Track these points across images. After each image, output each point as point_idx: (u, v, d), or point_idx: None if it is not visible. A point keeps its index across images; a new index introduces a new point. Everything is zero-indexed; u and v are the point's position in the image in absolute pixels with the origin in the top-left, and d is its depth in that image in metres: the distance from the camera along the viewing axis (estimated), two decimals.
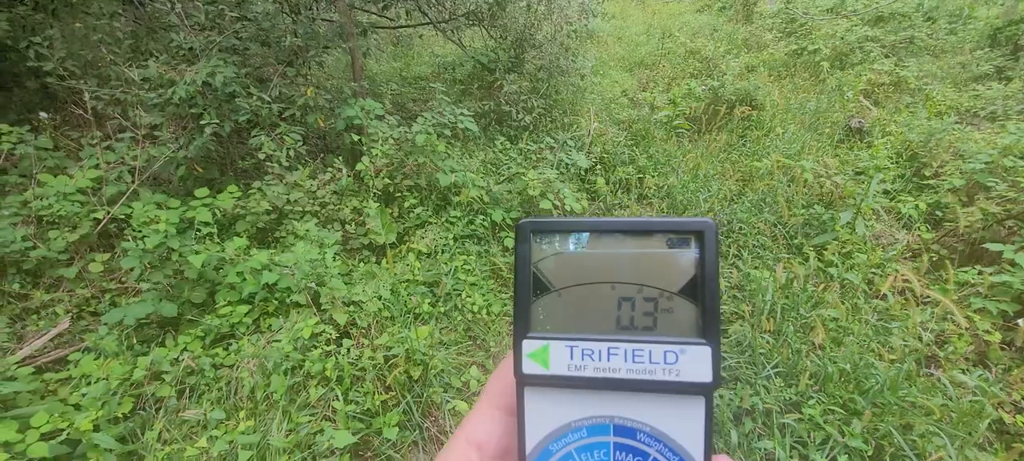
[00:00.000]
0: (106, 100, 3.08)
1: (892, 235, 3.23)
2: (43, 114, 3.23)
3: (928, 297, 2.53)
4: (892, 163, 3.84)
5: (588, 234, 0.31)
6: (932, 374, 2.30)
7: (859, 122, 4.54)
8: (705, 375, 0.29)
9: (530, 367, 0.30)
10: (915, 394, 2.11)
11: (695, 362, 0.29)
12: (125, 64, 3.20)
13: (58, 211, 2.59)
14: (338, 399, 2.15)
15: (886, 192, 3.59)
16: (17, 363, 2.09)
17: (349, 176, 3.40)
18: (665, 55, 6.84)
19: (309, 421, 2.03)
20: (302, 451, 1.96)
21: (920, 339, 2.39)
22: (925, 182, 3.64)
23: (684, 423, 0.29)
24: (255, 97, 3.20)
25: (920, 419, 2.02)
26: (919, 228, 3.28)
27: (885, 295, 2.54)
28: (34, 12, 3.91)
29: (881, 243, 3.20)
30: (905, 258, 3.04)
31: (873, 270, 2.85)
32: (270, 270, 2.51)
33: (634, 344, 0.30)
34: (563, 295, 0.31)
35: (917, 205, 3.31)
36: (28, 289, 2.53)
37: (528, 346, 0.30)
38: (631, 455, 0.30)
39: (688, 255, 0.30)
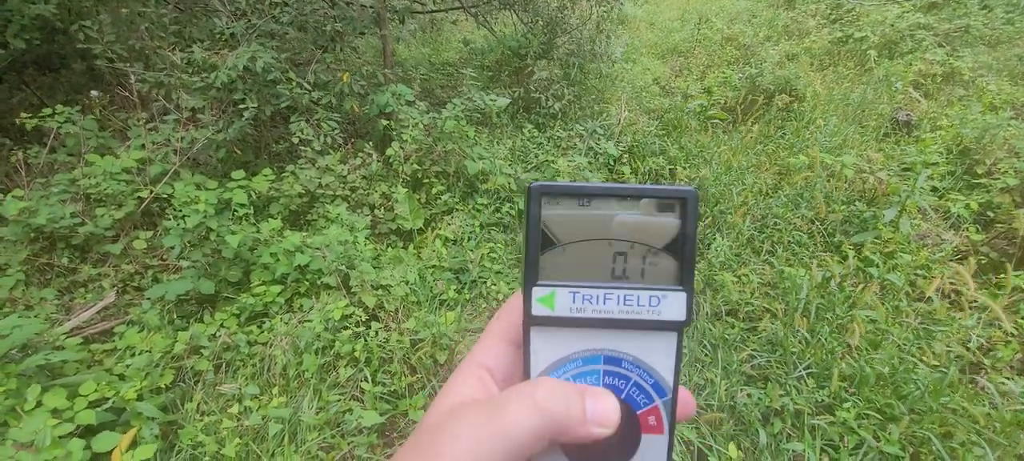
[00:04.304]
0: (151, 83, 3.18)
1: (939, 235, 3.08)
2: (94, 92, 3.36)
3: (975, 301, 2.40)
4: (942, 159, 3.64)
5: (589, 197, 0.35)
6: (976, 381, 2.20)
7: (907, 115, 4.32)
8: (680, 314, 0.35)
9: (538, 310, 0.35)
10: (957, 401, 2.02)
11: (673, 304, 0.35)
12: (169, 49, 3.30)
13: (105, 189, 2.70)
14: (366, 380, 2.19)
15: (934, 189, 3.41)
16: (65, 334, 2.20)
17: (379, 161, 3.43)
18: (700, 42, 6.63)
19: (339, 400, 2.08)
20: (331, 428, 2.02)
21: (965, 345, 2.28)
22: (977, 180, 3.45)
23: (660, 353, 0.36)
24: (294, 83, 3.25)
25: (961, 427, 1.94)
26: (968, 229, 3.11)
27: (930, 298, 2.42)
28: None
29: (926, 243, 3.05)
30: (953, 260, 2.89)
31: (917, 271, 2.72)
32: (302, 252, 2.57)
33: (626, 290, 0.35)
34: (567, 249, 0.36)
35: (968, 204, 3.14)
36: (76, 263, 2.66)
37: (537, 292, 0.35)
38: (617, 379, 0.36)
39: (672, 218, 0.35)
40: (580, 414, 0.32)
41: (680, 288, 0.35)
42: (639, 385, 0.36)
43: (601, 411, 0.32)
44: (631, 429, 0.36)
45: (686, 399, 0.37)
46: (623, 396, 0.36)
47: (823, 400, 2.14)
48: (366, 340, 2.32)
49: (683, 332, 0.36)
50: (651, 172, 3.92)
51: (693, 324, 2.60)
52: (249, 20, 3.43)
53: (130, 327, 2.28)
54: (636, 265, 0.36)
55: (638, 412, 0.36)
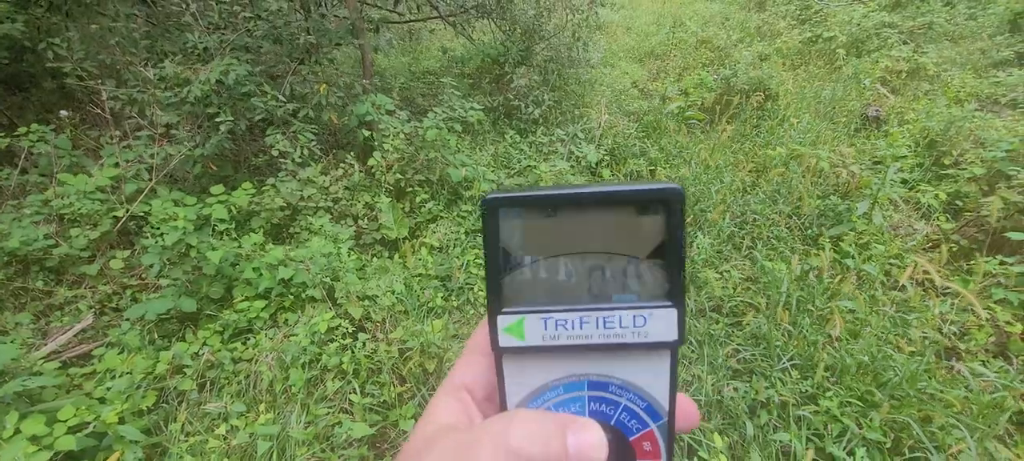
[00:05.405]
0: (124, 100, 3.12)
1: (911, 225, 3.18)
2: (64, 112, 3.28)
3: (948, 288, 2.49)
4: (911, 152, 3.77)
5: (555, 205, 0.31)
6: (952, 366, 2.27)
7: (876, 110, 4.46)
8: (671, 334, 0.30)
9: (506, 340, 0.31)
10: (934, 386, 2.09)
11: (662, 323, 0.30)
12: (141, 64, 3.24)
13: (79, 209, 2.64)
14: (355, 392, 2.17)
15: (904, 181, 3.53)
16: (43, 358, 2.14)
17: (361, 171, 3.42)
18: (676, 45, 6.76)
19: (327, 413, 2.06)
20: (321, 443, 1.99)
21: (940, 331, 2.36)
22: (944, 171, 3.57)
23: (652, 375, 0.32)
24: (269, 96, 3.22)
25: (939, 411, 2.00)
26: (938, 218, 3.22)
27: (904, 286, 2.50)
28: (49, 13, 3.96)
29: (899, 233, 3.15)
30: (924, 249, 2.99)
31: (891, 261, 2.81)
32: (285, 265, 2.54)
33: (605, 311, 0.31)
34: (534, 268, 0.31)
35: (937, 194, 3.25)
36: (51, 286, 2.58)
37: (503, 321, 0.31)
38: (605, 404, 0.32)
39: (656, 221, 0.30)
40: (560, 451, 0.28)
41: (669, 303, 0.30)
42: (630, 409, 0.32)
43: (585, 445, 0.28)
44: (625, 457, 0.33)
45: (688, 410, 0.33)
46: (613, 422, 0.32)
47: (807, 390, 2.19)
48: (353, 351, 2.30)
49: (677, 350, 0.31)
50: (632, 173, 3.97)
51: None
52: (222, 34, 3.40)
53: (109, 349, 2.22)
54: (615, 280, 0.31)
55: (631, 438, 0.32)
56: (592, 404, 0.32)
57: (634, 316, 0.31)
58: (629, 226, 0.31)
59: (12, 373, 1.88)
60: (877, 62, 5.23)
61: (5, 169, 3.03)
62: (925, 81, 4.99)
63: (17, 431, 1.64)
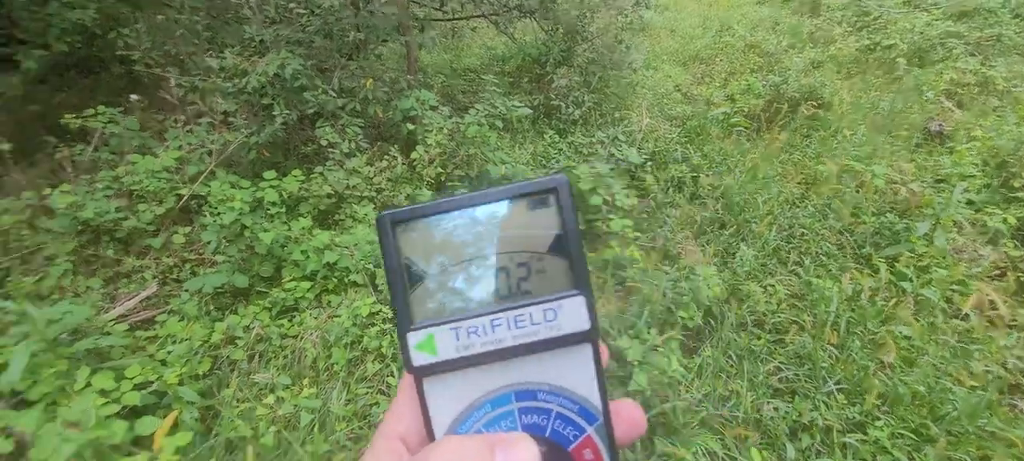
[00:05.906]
0: (187, 87, 3.31)
1: (976, 250, 2.99)
2: (134, 97, 3.50)
3: (1015, 321, 2.34)
4: (978, 171, 3.55)
5: (450, 214, 0.31)
6: (1015, 405, 2.14)
7: (939, 125, 4.22)
8: (583, 323, 0.30)
9: (420, 358, 0.30)
10: (996, 424, 1.97)
11: (572, 313, 0.30)
12: (204, 54, 3.42)
13: (146, 186, 2.81)
14: (392, 375, 2.23)
15: (970, 202, 3.32)
16: (112, 321, 2.30)
17: (404, 164, 3.49)
18: (722, 49, 6.58)
19: (367, 393, 2.13)
20: (359, 420, 2.06)
21: (1004, 366, 2.22)
22: (1014, 194, 3.35)
23: (576, 372, 0.31)
24: (321, 89, 3.34)
25: (1000, 451, 1.88)
26: (1006, 244, 3.02)
27: (967, 315, 2.36)
28: (119, 3, 4.23)
29: (963, 258, 2.97)
30: (990, 277, 2.81)
31: (953, 287, 2.65)
32: (331, 250, 2.64)
33: (515, 310, 0.30)
34: (438, 279, 0.31)
35: (1005, 218, 3.05)
36: (120, 255, 2.77)
37: (413, 338, 0.30)
38: (537, 416, 0.31)
39: (550, 214, 0.31)
40: None
41: (575, 291, 0.30)
42: (563, 416, 0.31)
43: None
44: None
45: (633, 415, 0.32)
46: (548, 434, 0.31)
47: (854, 417, 2.10)
48: (393, 337, 2.37)
49: (598, 341, 0.31)
50: (673, 179, 3.90)
51: (709, 328, 2.56)
52: (277, 28, 3.54)
53: (171, 316, 2.37)
54: (521, 278, 0.31)
55: (570, 448, 0.31)
56: (524, 417, 0.31)
57: (544, 310, 0.30)
58: (525, 223, 0.31)
59: (85, 332, 2.03)
60: (941, 74, 4.95)
61: (78, 146, 3.26)
62: (994, 96, 4.68)
63: (88, 384, 1.77)
